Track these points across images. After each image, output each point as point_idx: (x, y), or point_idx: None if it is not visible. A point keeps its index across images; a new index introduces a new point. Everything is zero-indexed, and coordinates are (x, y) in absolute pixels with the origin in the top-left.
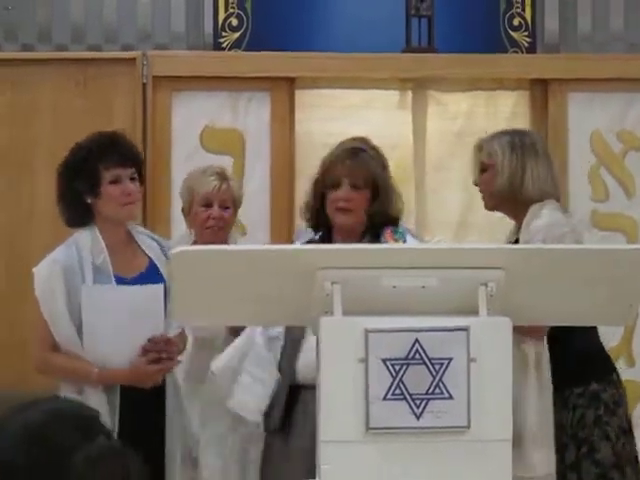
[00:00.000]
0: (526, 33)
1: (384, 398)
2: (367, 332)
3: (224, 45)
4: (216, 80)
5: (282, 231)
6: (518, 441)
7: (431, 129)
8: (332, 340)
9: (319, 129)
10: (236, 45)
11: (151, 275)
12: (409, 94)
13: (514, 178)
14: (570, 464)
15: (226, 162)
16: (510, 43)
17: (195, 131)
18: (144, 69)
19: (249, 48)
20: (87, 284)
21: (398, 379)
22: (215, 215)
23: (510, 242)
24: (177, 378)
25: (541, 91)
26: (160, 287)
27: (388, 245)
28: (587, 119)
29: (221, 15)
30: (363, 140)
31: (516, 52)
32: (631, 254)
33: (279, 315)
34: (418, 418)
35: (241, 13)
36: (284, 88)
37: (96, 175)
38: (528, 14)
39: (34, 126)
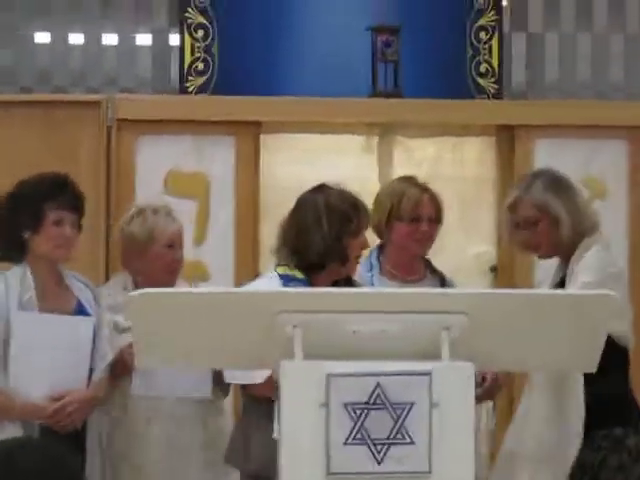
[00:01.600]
0: (493, 79)
1: (345, 443)
2: (329, 376)
3: (190, 89)
4: (181, 124)
5: (246, 275)
6: (501, 460)
7: (397, 174)
8: (293, 384)
9: (284, 173)
10: (202, 89)
11: (79, 314)
12: (375, 139)
13: (575, 219)
14: None
15: (190, 206)
16: (477, 89)
17: (159, 174)
18: (109, 112)
19: (215, 92)
20: (17, 312)
21: (359, 424)
22: (179, 257)
23: (555, 281)
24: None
25: (508, 137)
26: (90, 320)
27: (349, 289)
28: (554, 166)
29: (187, 59)
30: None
31: (482, 98)
32: (596, 299)
33: (241, 357)
34: (379, 463)
35: (207, 57)
36: (250, 132)
37: (40, 213)
38: (495, 61)
39: None
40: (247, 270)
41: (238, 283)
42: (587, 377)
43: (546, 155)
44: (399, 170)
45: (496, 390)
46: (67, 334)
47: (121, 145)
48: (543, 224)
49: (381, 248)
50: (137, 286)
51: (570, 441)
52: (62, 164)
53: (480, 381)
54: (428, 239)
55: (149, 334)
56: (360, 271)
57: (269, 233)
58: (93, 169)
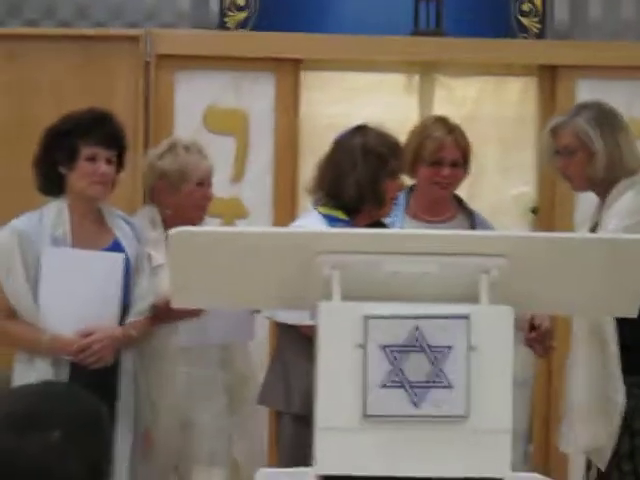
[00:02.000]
0: (536, 19)
1: (382, 385)
2: (366, 318)
3: (229, 25)
4: (220, 60)
5: (285, 213)
6: (564, 416)
7: (438, 113)
8: (331, 325)
9: (324, 111)
10: (242, 25)
11: (112, 251)
12: (416, 78)
13: (612, 157)
14: (623, 454)
15: (229, 143)
16: (519, 29)
17: (198, 111)
18: (147, 47)
19: (255, 28)
20: (47, 246)
21: (397, 366)
22: (209, 195)
23: (593, 223)
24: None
25: (549, 78)
26: (120, 256)
27: (389, 230)
28: None
29: None
30: None
31: (525, 38)
32: (633, 244)
33: (278, 298)
34: (417, 406)
35: None
36: (289, 69)
37: (74, 149)
38: (538, 0)
39: (35, 104)
40: (285, 208)
41: (276, 221)
42: (626, 323)
43: (588, 96)
44: (440, 110)
45: (548, 337)
46: (96, 269)
47: (160, 80)
48: (580, 155)
49: (412, 188)
50: (165, 221)
51: (615, 387)
52: (100, 99)
53: (528, 327)
54: (450, 184)
55: (187, 273)
56: None
57: (308, 171)
58: (132, 104)
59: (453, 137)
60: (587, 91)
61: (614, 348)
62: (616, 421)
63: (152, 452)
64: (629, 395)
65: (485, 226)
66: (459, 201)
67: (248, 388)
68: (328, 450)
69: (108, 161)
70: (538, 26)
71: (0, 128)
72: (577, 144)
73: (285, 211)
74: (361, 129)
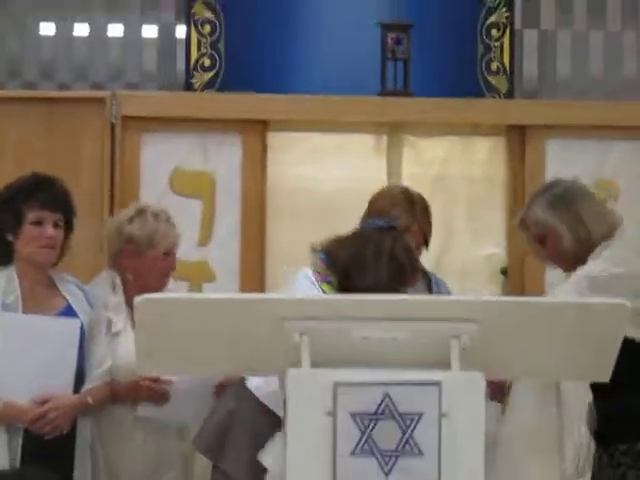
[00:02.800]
0: (504, 78)
1: (352, 454)
2: (336, 385)
3: (196, 85)
4: (187, 121)
5: (253, 277)
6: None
7: (406, 174)
8: (300, 393)
9: (291, 172)
10: (208, 86)
11: (66, 316)
12: (384, 138)
13: (577, 232)
14: None
15: (196, 205)
16: (487, 88)
17: (164, 173)
18: (113, 109)
19: (222, 89)
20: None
21: (367, 434)
22: (174, 265)
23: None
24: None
25: (518, 137)
26: (76, 321)
27: (357, 295)
28: (565, 166)
29: (194, 55)
30: None
31: (494, 97)
32: (611, 308)
33: (246, 364)
34: (387, 475)
35: (214, 53)
36: (256, 130)
37: (19, 214)
38: (506, 59)
39: None
40: (253, 271)
41: (244, 284)
42: (613, 389)
43: (557, 155)
44: (408, 170)
45: (504, 390)
46: (52, 334)
47: (125, 142)
48: (550, 241)
49: None
50: (125, 285)
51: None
52: (66, 160)
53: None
54: None
55: (153, 340)
56: None
57: (276, 234)
58: (97, 166)
59: (417, 225)
60: (557, 150)
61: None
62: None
63: None
64: (619, 464)
65: (441, 287)
66: None
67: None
68: None
69: (55, 224)
70: (506, 85)
71: None
72: (543, 232)
73: (253, 274)
74: (392, 231)
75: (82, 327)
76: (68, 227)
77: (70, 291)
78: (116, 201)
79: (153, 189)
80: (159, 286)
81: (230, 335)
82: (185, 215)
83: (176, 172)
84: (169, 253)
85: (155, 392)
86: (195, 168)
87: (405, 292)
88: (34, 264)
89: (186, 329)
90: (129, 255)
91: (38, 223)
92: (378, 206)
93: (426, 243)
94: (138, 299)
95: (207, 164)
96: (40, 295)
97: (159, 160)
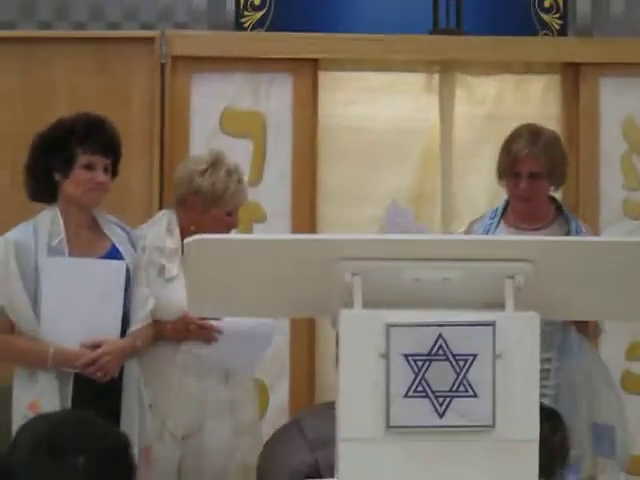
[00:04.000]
0: (557, 15)
1: (405, 395)
2: (388, 326)
3: (246, 25)
4: (237, 61)
5: (304, 217)
6: None
7: (459, 113)
8: (352, 334)
9: (343, 112)
10: (258, 25)
11: (111, 258)
12: (436, 77)
13: None
14: None
15: (246, 145)
16: (541, 25)
17: (215, 113)
18: (163, 49)
19: (272, 28)
20: (45, 257)
21: (420, 375)
22: (236, 225)
23: None
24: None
25: (572, 75)
26: (122, 263)
27: (410, 236)
28: (619, 105)
29: None
30: None
31: (547, 35)
32: None
33: (298, 306)
34: (441, 416)
35: None
36: (307, 70)
37: (72, 156)
38: None
39: (50, 106)
40: (305, 212)
41: (295, 225)
42: None
43: (611, 93)
44: (460, 109)
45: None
46: (97, 278)
47: (175, 82)
48: None
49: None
50: (182, 230)
51: None
52: (116, 101)
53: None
54: (528, 197)
55: (204, 282)
56: (485, 215)
57: (327, 173)
58: (147, 106)
59: (530, 150)
60: (610, 89)
61: None
62: None
63: (151, 469)
64: None
65: (580, 233)
66: (558, 207)
67: (252, 408)
68: (351, 461)
69: (105, 169)
70: (559, 22)
71: (16, 132)
72: None
73: (304, 215)
74: None
75: (128, 269)
76: (113, 170)
77: (114, 232)
78: (166, 141)
79: (203, 129)
80: None
81: (282, 276)
82: (235, 155)
83: (226, 112)
84: (233, 213)
85: (204, 330)
86: (245, 108)
87: None
88: (80, 206)
89: (237, 270)
90: (193, 207)
91: (89, 167)
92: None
93: (549, 172)
94: (189, 239)
95: (257, 104)
96: (85, 237)
97: (209, 100)
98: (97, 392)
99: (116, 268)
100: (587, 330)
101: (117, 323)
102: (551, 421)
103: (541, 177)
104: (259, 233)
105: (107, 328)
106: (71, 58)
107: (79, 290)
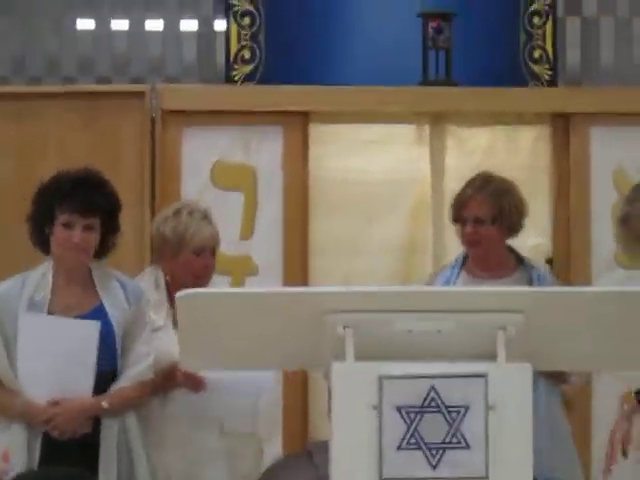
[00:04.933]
0: (547, 66)
1: (398, 447)
2: (381, 378)
3: (236, 78)
4: (228, 114)
5: (296, 271)
6: None
7: (449, 164)
8: (344, 386)
9: (334, 165)
10: (248, 78)
11: (94, 317)
12: (427, 129)
13: None
14: None
15: (237, 199)
16: (531, 76)
17: (205, 166)
18: (153, 103)
19: (262, 81)
20: (24, 312)
21: (413, 427)
22: (210, 265)
23: None
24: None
25: (563, 126)
26: (94, 323)
27: (401, 288)
28: (609, 154)
29: (233, 47)
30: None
31: (537, 85)
32: None
33: (290, 358)
34: (434, 468)
35: (254, 45)
36: (298, 123)
37: (52, 213)
38: (549, 46)
39: (40, 161)
40: (297, 264)
41: (287, 278)
42: None
43: (602, 143)
44: (451, 160)
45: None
46: (69, 336)
47: (166, 136)
48: None
49: None
50: (168, 284)
51: None
52: (106, 155)
53: None
54: (473, 241)
55: (195, 335)
56: (446, 267)
57: (318, 226)
58: (137, 161)
59: (476, 195)
60: (601, 139)
61: None
62: None
63: None
64: None
65: (543, 281)
66: (517, 256)
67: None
68: None
69: (87, 228)
70: (549, 73)
71: (6, 188)
72: None
73: (296, 267)
74: None
75: (110, 327)
76: (111, 226)
77: (108, 288)
78: (157, 195)
79: (194, 183)
80: (195, 287)
81: (273, 329)
82: (227, 209)
83: (217, 166)
84: (201, 252)
85: (191, 379)
86: (236, 161)
87: None
88: (62, 264)
89: (228, 323)
90: (164, 256)
91: (67, 226)
92: None
93: (496, 217)
94: (180, 294)
95: (248, 157)
96: (74, 292)
97: (200, 154)
98: (68, 450)
99: (89, 327)
100: (556, 375)
101: (89, 381)
102: None
103: (485, 222)
104: (251, 286)
105: (78, 386)
106: (62, 112)
107: (52, 347)
